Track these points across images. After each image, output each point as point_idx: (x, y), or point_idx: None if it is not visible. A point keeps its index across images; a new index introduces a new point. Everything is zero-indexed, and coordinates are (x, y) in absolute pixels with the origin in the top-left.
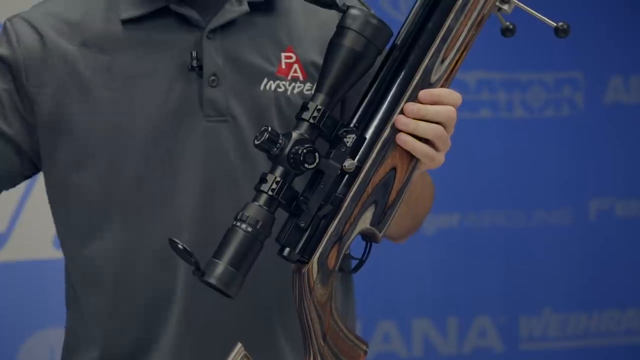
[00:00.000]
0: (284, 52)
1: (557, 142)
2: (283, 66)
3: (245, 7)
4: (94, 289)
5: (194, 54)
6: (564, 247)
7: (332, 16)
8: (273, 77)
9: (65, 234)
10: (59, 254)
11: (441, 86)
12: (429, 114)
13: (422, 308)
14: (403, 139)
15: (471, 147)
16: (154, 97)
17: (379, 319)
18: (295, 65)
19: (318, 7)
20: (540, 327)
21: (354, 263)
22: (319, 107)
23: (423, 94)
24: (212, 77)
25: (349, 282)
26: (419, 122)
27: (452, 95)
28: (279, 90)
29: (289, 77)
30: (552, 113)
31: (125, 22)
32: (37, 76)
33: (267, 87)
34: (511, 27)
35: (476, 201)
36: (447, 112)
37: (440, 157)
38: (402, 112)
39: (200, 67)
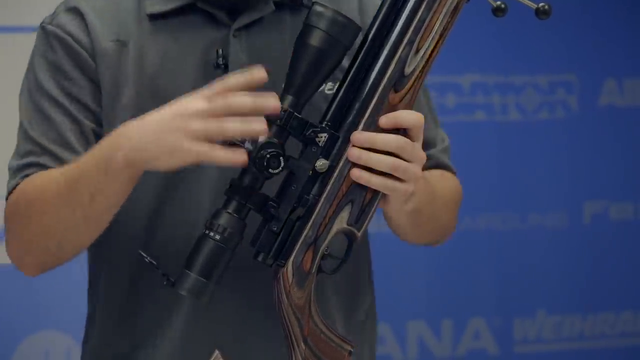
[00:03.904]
0: None
1: (552, 145)
2: None
3: (271, 6)
4: (113, 272)
5: (220, 51)
6: (558, 250)
7: (354, 15)
8: None
9: None
10: None
11: (417, 77)
12: (378, 144)
13: (416, 310)
14: (357, 174)
15: (466, 150)
16: (179, 94)
17: None
18: None
19: (340, 6)
20: (534, 330)
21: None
22: (284, 108)
23: (382, 119)
24: None
25: (343, 281)
26: (371, 153)
27: (410, 115)
28: None
29: None
30: (547, 116)
31: (151, 17)
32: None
33: None
34: (502, 6)
35: (471, 204)
36: (396, 141)
37: (404, 187)
38: (367, 122)
39: (226, 65)
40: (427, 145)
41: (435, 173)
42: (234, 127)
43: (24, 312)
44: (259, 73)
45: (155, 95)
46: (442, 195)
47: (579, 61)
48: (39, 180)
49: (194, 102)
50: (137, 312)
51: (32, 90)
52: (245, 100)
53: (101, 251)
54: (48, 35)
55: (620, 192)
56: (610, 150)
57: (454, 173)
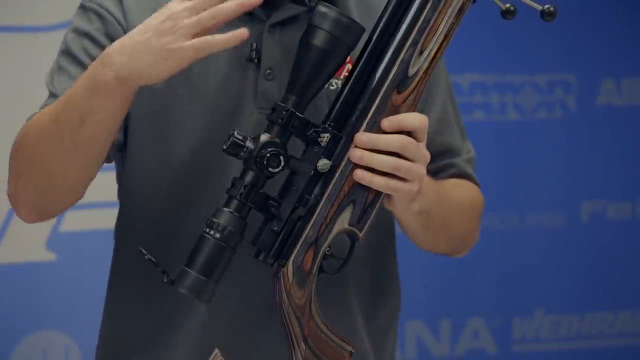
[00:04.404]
0: None
1: (550, 145)
2: None
3: (306, 6)
4: (133, 257)
5: (254, 45)
6: (556, 249)
7: None
8: None
9: (122, 198)
10: (51, 256)
11: (420, 79)
12: (380, 144)
13: (415, 310)
14: (359, 175)
15: None
16: (212, 84)
17: None
18: (348, 65)
19: (370, 5)
20: (533, 329)
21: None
22: (286, 108)
23: (385, 123)
24: (269, 70)
25: (364, 282)
26: (373, 154)
27: (413, 118)
28: (331, 88)
29: (341, 77)
30: (545, 115)
31: None
32: None
33: None
34: (512, 8)
35: None
36: (399, 141)
37: (408, 187)
38: (369, 122)
39: (259, 59)
40: (450, 154)
41: (453, 180)
42: (228, 6)
43: (23, 311)
44: None
45: (187, 82)
46: (459, 202)
47: (577, 61)
48: (37, 116)
49: (179, 2)
50: (145, 308)
51: (60, 59)
52: None
53: (120, 242)
54: (87, 11)
55: (618, 191)
56: (608, 150)
57: (477, 185)
